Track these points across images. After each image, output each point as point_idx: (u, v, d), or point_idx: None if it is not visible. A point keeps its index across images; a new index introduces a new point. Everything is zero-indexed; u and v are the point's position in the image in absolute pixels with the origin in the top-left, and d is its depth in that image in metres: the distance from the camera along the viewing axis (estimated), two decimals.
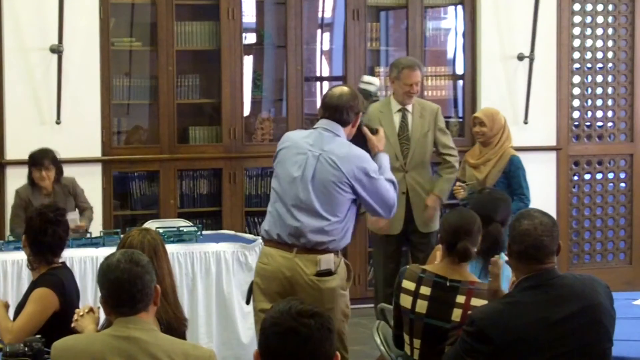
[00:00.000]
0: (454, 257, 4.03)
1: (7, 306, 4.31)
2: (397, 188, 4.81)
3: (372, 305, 6.55)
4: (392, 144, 6.37)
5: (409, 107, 6.44)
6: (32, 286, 4.31)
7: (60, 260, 4.40)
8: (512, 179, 6.05)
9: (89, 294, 5.67)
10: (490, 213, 4.61)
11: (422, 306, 3.98)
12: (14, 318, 4.32)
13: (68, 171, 6.89)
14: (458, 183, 6.22)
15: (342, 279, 4.67)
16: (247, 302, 4.86)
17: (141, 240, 3.85)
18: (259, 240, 6.26)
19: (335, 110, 4.69)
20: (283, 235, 4.65)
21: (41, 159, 6.45)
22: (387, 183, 4.72)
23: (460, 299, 3.95)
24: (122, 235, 4.24)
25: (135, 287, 3.07)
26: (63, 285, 4.27)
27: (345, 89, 4.81)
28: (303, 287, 4.60)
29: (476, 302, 3.91)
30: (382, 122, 6.40)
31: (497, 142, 6.12)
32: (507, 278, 4.03)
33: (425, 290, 4.00)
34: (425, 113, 6.41)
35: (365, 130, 4.91)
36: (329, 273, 4.60)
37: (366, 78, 5.14)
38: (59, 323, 4.08)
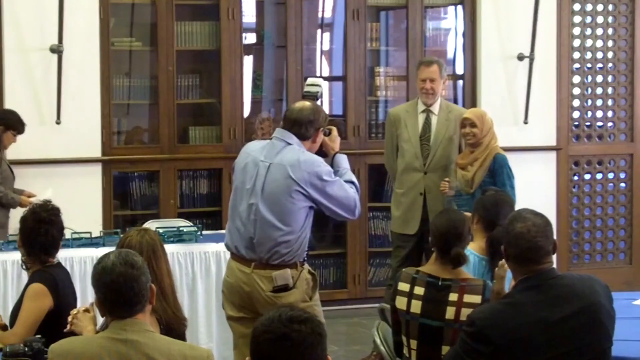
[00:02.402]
0: (448, 262, 4.07)
1: (4, 327, 4.30)
2: (359, 189, 4.74)
3: (372, 305, 6.55)
4: (413, 144, 6.40)
5: (435, 109, 6.43)
6: (26, 286, 4.31)
7: (56, 260, 4.40)
8: (496, 177, 5.98)
9: (89, 294, 5.65)
10: (493, 217, 4.62)
11: (416, 306, 4.02)
12: (12, 318, 4.32)
13: (68, 171, 6.92)
14: (444, 179, 6.21)
15: (302, 292, 4.62)
16: (223, 307, 4.86)
17: (139, 240, 3.84)
18: None
19: (294, 124, 4.63)
20: (240, 249, 4.63)
21: (24, 128, 6.66)
22: (345, 184, 4.64)
23: (453, 296, 3.99)
24: (122, 236, 4.24)
25: (132, 291, 3.07)
26: (56, 282, 4.26)
27: (307, 103, 4.73)
28: (261, 303, 4.58)
29: (469, 298, 3.97)
30: (406, 122, 6.42)
31: (486, 142, 6.07)
32: (509, 280, 4.06)
33: (419, 290, 4.05)
34: (452, 116, 6.39)
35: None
36: (285, 288, 4.57)
37: (310, 80, 5.08)
38: (55, 323, 4.08)
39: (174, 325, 3.78)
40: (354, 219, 4.84)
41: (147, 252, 3.78)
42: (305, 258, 4.70)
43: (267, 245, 4.54)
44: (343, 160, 4.82)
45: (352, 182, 4.70)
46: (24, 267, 4.43)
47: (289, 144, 4.61)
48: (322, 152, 4.79)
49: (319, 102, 4.92)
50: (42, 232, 4.28)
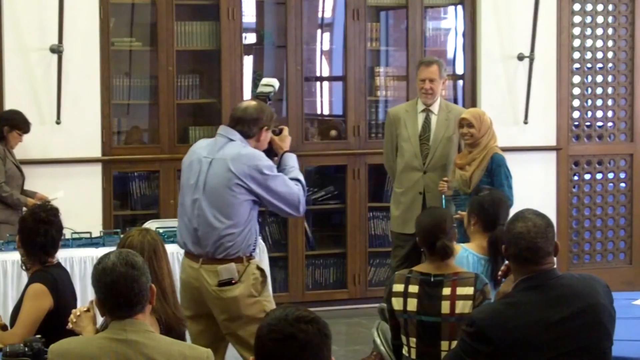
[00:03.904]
0: (436, 256, 4.13)
1: (4, 327, 4.31)
2: (305, 188, 4.80)
3: (372, 305, 6.55)
4: (412, 143, 6.41)
5: (435, 109, 6.44)
6: (26, 286, 4.31)
7: (56, 260, 4.41)
8: (494, 177, 5.98)
9: (89, 294, 5.65)
10: (493, 217, 4.64)
11: (412, 304, 4.07)
12: (12, 319, 4.32)
13: (68, 171, 6.92)
14: (442, 180, 6.21)
15: (249, 286, 4.68)
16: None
17: (141, 240, 3.84)
18: (259, 240, 6.27)
19: (237, 122, 4.75)
20: (188, 244, 4.73)
21: (29, 127, 6.74)
22: (288, 180, 4.71)
23: (446, 290, 4.05)
24: (122, 236, 4.24)
25: (132, 291, 3.06)
26: (56, 282, 4.27)
27: (253, 102, 4.86)
28: (208, 298, 4.68)
29: (461, 290, 4.04)
30: (406, 121, 6.43)
31: (484, 143, 6.06)
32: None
33: (413, 288, 4.10)
34: (451, 116, 6.39)
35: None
36: (230, 282, 4.63)
37: (264, 80, 5.15)
38: (55, 323, 4.09)
39: (173, 325, 3.78)
40: (298, 216, 4.90)
41: (149, 252, 3.78)
42: (253, 253, 4.76)
43: (211, 239, 4.64)
44: (290, 159, 4.90)
45: (297, 180, 4.77)
46: (23, 267, 4.43)
47: (232, 140, 4.70)
48: (272, 151, 4.87)
49: (271, 101, 5.06)
50: (41, 233, 4.29)
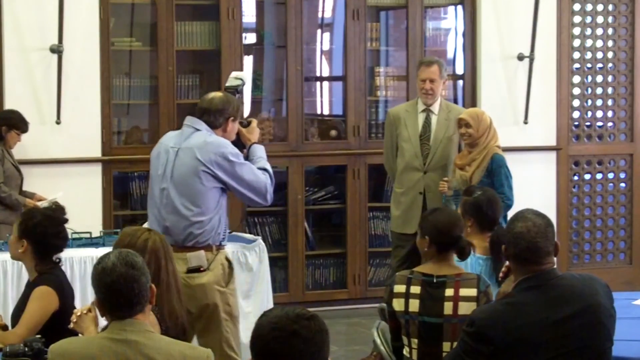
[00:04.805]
0: (453, 254, 4.12)
1: (4, 327, 4.30)
2: (273, 179, 4.84)
3: (372, 305, 6.56)
4: (412, 143, 6.40)
5: (435, 109, 6.44)
6: (31, 286, 4.30)
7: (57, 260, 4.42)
8: (494, 177, 5.99)
9: (89, 294, 5.66)
10: (491, 218, 4.65)
11: (414, 305, 4.06)
12: (13, 319, 4.32)
13: (68, 171, 6.92)
14: (443, 180, 6.21)
15: (217, 275, 4.72)
16: None
17: (161, 240, 3.82)
18: (259, 240, 6.28)
19: (204, 113, 4.80)
20: None
21: (27, 126, 6.75)
22: (255, 169, 4.77)
23: (449, 292, 4.03)
24: (129, 236, 4.18)
25: (132, 291, 3.07)
26: (62, 284, 4.28)
27: (219, 94, 4.91)
28: None
29: (465, 292, 4.02)
30: (406, 121, 6.43)
31: (483, 143, 6.06)
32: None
33: (415, 289, 4.08)
34: (452, 116, 6.38)
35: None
36: (198, 270, 4.67)
37: (234, 74, 5.19)
38: (57, 323, 4.09)
39: (178, 328, 3.77)
40: (266, 204, 4.92)
41: (169, 253, 3.79)
42: (222, 242, 4.79)
43: (180, 227, 4.68)
44: (258, 150, 4.95)
45: (265, 170, 4.82)
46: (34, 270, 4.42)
47: (198, 130, 4.76)
48: (240, 143, 4.91)
49: (241, 95, 5.10)
50: (62, 236, 4.32)
